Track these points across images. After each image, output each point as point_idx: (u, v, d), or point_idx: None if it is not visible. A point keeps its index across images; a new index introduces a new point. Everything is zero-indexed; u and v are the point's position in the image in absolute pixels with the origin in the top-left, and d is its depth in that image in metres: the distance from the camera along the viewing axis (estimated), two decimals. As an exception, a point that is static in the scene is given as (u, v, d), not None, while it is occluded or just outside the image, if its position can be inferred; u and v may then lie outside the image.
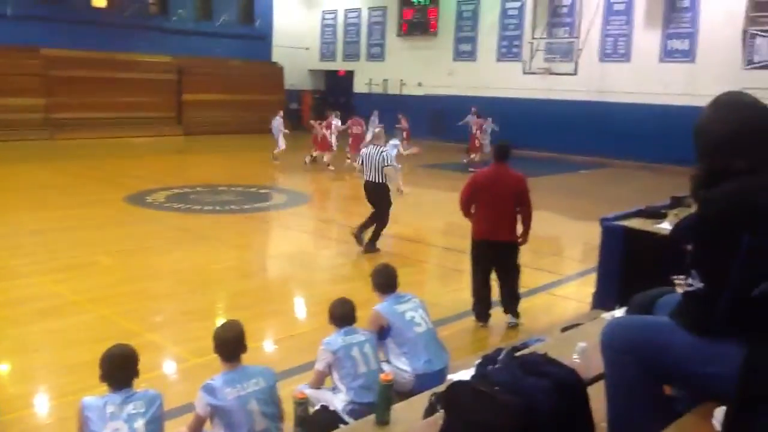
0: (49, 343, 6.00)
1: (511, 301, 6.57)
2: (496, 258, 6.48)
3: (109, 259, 8.70)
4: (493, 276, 6.61)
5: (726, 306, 2.07)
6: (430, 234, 11.12)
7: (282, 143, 18.75)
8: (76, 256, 8.75)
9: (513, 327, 6.49)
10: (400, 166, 9.67)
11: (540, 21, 22.78)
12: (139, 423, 3.03)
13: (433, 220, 12.32)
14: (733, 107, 2.19)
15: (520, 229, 6.50)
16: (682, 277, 2.18)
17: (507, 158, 6.49)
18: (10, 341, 5.94)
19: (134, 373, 3.22)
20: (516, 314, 6.56)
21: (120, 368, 3.18)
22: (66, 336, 6.05)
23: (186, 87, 26.87)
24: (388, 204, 9.32)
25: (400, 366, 4.27)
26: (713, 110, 2.23)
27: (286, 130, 19.39)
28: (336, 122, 18.23)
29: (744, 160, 2.06)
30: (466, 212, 6.58)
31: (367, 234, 9.30)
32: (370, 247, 9.23)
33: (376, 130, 10.30)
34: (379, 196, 9.19)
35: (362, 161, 9.30)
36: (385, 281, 4.61)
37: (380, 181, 9.09)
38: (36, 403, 4.97)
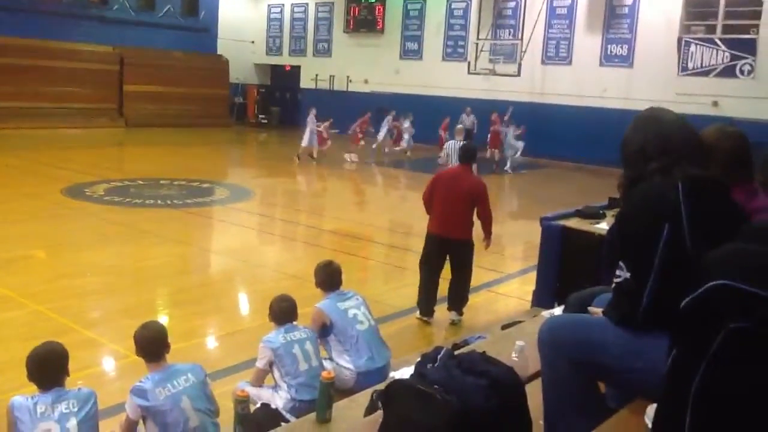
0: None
1: (456, 299, 6.65)
2: (445, 255, 6.60)
3: (44, 253, 8.44)
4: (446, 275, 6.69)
5: (650, 298, 2.18)
6: (374, 231, 11.16)
7: (308, 141, 18.04)
8: (10, 249, 8.45)
9: (455, 324, 6.57)
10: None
11: (485, 22, 23.08)
12: (72, 422, 2.95)
13: (376, 217, 12.37)
14: (647, 120, 2.48)
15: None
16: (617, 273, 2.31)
17: (471, 160, 6.71)
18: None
19: (64, 371, 3.13)
20: (460, 312, 6.64)
21: (49, 367, 3.08)
22: (-4, 333, 5.85)
23: (127, 78, 26.16)
24: None
25: (342, 363, 4.28)
26: (633, 125, 2.51)
27: (320, 128, 18.53)
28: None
29: (656, 164, 2.30)
30: (428, 208, 6.71)
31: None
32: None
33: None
34: None
35: None
36: (329, 278, 4.61)
37: None
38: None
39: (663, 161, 2.29)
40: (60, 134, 21.92)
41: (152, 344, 3.41)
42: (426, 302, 6.64)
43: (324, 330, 4.37)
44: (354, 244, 10.09)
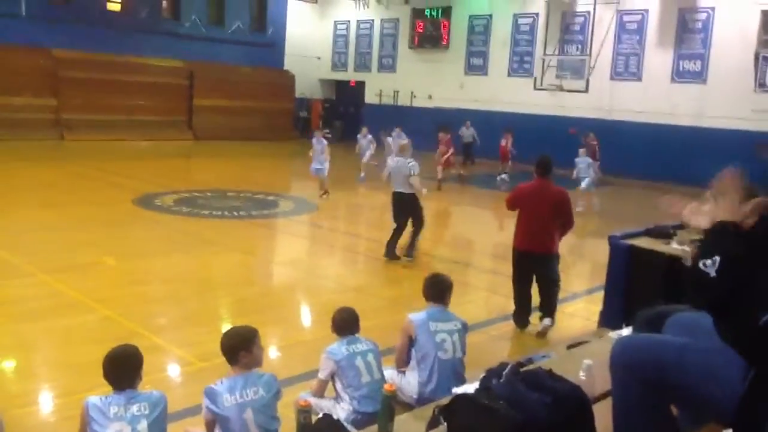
0: (52, 341, 6.01)
1: (546, 306, 6.72)
2: (532, 268, 6.65)
3: (114, 260, 8.71)
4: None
5: (738, 327, 2.06)
6: (435, 246, 11.10)
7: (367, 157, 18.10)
8: (82, 256, 8.77)
9: (545, 332, 6.59)
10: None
11: (552, 37, 22.83)
12: (143, 424, 3.02)
13: (440, 232, 12.32)
14: None
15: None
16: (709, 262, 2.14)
17: (549, 173, 6.63)
18: (13, 338, 5.94)
19: (138, 374, 3.21)
20: (550, 316, 6.69)
21: (124, 369, 3.17)
22: (69, 335, 6.05)
23: (197, 92, 26.99)
24: (421, 209, 9.49)
25: (410, 379, 4.21)
26: None
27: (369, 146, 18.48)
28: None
29: None
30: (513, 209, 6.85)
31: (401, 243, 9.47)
32: (410, 253, 9.40)
33: (403, 142, 10.35)
34: (410, 205, 9.35)
35: (389, 173, 9.45)
36: (431, 290, 4.55)
37: (408, 191, 9.24)
38: (38, 401, 4.96)
39: None
40: (130, 146, 22.69)
41: (232, 349, 3.47)
42: (518, 315, 6.78)
43: (409, 341, 4.32)
44: (417, 259, 10.05)
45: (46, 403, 4.98)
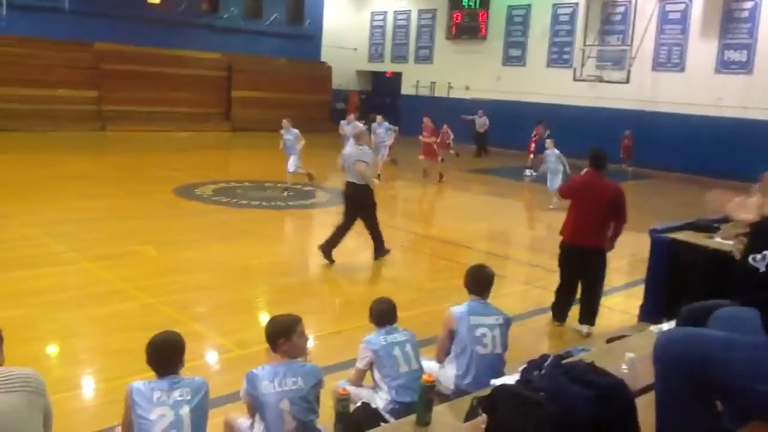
0: (94, 328, 6.15)
1: (589, 312, 6.50)
2: (580, 263, 6.45)
3: (155, 249, 8.86)
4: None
5: None
6: (472, 238, 11.05)
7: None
8: (123, 244, 8.95)
9: (587, 336, 6.39)
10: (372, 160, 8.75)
11: (592, 28, 22.46)
12: (185, 410, 3.07)
13: (475, 224, 12.26)
14: None
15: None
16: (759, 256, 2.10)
17: (603, 166, 6.49)
18: (57, 325, 6.10)
19: (181, 360, 3.27)
20: (592, 323, 6.49)
21: (167, 355, 3.22)
22: (111, 322, 6.18)
23: (235, 84, 27.26)
24: (374, 206, 8.71)
25: (449, 371, 4.19)
26: None
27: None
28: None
29: None
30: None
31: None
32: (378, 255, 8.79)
33: (360, 128, 9.44)
34: (361, 199, 8.53)
35: (343, 162, 8.59)
36: (472, 282, 4.43)
37: (360, 182, 8.38)
38: (81, 386, 5.09)
39: None
40: (170, 137, 23.02)
41: (272, 336, 3.52)
42: (559, 309, 6.66)
43: (450, 334, 4.26)
44: (452, 249, 10.03)
45: (88, 387, 5.11)
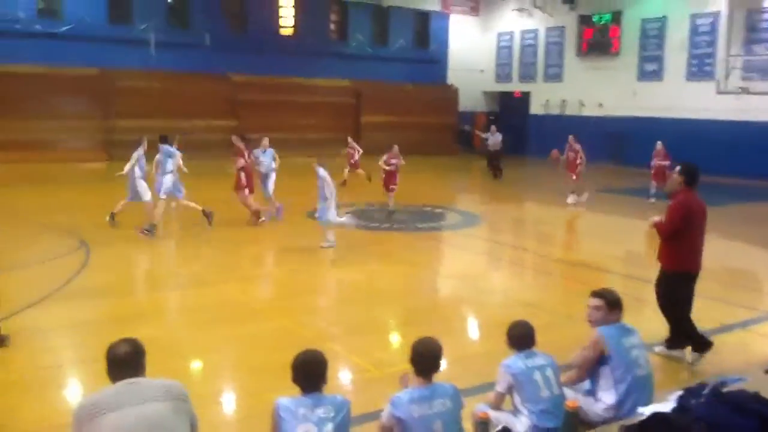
0: (235, 346, 6.41)
1: (699, 340, 6.04)
2: (692, 291, 6.05)
3: (287, 271, 9.16)
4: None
5: None
6: (607, 261, 10.61)
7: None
8: (258, 267, 9.37)
9: (695, 365, 5.97)
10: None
11: (736, 37, 21.18)
12: (329, 427, 3.13)
13: (611, 247, 11.78)
14: None
15: None
16: None
17: (697, 182, 6.03)
18: (199, 343, 6.42)
19: (324, 378, 3.34)
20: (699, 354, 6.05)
21: (312, 372, 3.30)
22: (250, 341, 6.43)
23: (363, 110, 27.96)
24: None
25: (602, 398, 4.05)
26: None
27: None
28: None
29: None
30: (671, 236, 5.95)
31: None
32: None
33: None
34: None
35: None
36: (619, 307, 4.37)
37: None
38: (222, 401, 5.31)
39: None
40: (302, 162, 23.83)
41: (424, 361, 3.53)
42: (695, 338, 6.05)
43: (600, 359, 4.14)
44: (586, 273, 9.68)
45: (228, 403, 5.32)
